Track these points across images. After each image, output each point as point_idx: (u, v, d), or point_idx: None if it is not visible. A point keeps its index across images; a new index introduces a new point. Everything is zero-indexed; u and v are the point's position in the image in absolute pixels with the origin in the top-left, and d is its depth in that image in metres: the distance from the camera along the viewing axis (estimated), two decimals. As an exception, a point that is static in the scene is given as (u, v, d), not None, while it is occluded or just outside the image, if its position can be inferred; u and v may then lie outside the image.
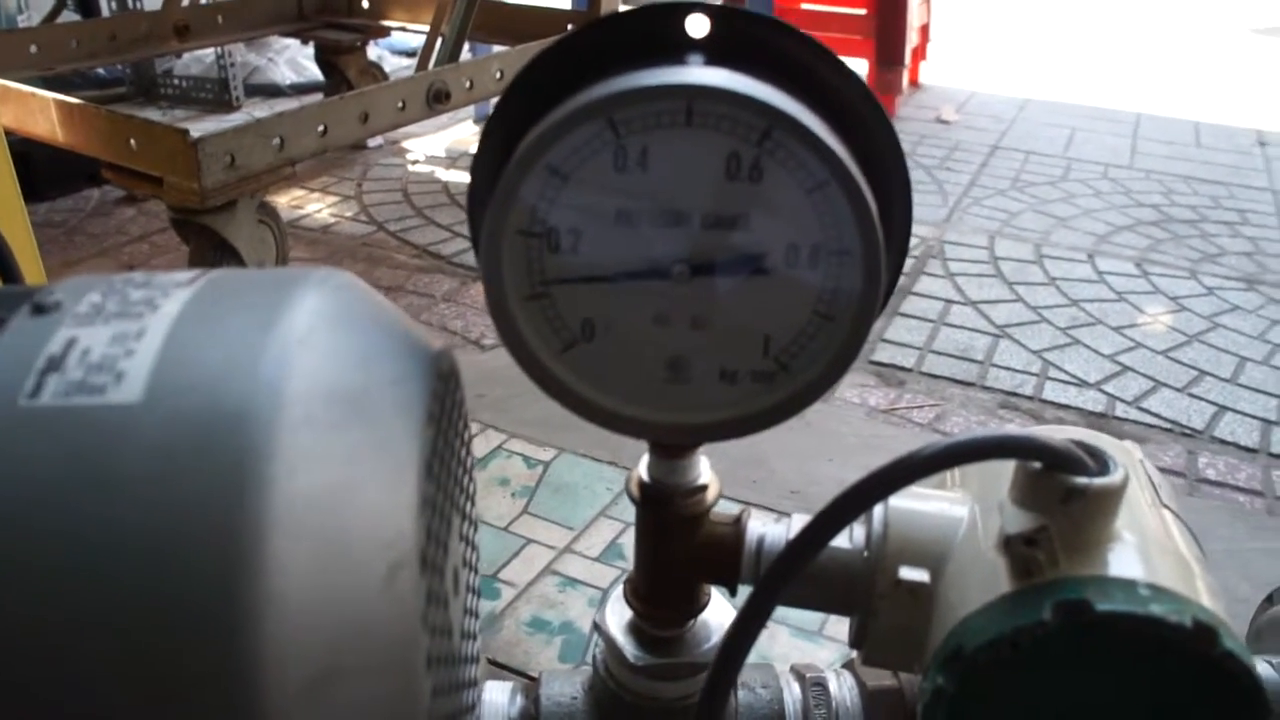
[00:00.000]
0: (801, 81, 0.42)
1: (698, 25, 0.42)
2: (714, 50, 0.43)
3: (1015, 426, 0.50)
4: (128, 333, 0.29)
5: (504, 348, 0.44)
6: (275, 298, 0.32)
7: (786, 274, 0.43)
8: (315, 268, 0.37)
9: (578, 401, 0.47)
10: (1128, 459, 0.48)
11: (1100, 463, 0.41)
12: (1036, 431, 0.48)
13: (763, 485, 1.25)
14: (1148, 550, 0.41)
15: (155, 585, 0.23)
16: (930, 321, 1.83)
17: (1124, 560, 0.40)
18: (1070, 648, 0.37)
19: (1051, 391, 1.62)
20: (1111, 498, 0.40)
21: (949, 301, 1.92)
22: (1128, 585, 0.38)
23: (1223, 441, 1.51)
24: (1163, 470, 1.45)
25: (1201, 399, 1.62)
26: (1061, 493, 0.39)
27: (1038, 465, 0.40)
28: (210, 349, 0.29)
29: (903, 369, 1.64)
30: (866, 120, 0.43)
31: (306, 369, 0.29)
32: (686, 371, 0.46)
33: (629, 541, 1.20)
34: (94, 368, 0.27)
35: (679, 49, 0.43)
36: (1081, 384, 1.65)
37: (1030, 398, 1.59)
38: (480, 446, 1.34)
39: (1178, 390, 1.64)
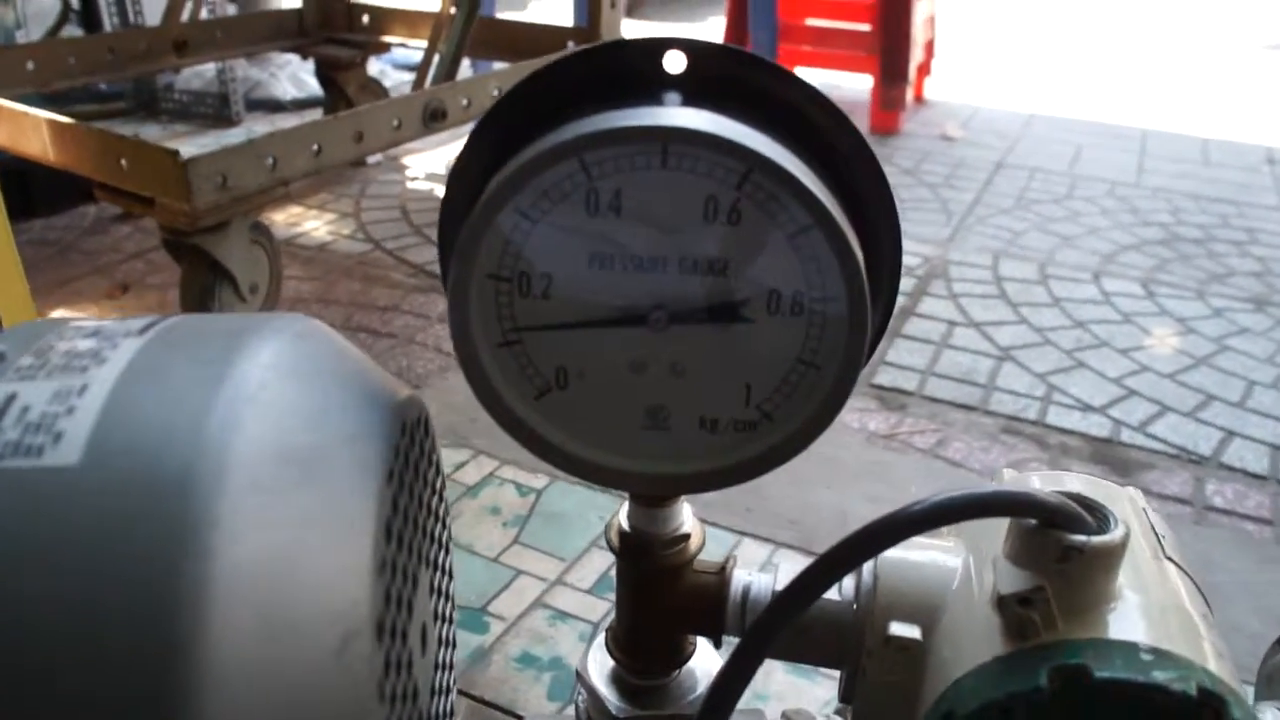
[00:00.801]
0: (783, 120, 0.40)
1: (675, 62, 0.40)
2: (692, 88, 0.41)
3: (1011, 471, 0.47)
4: (70, 388, 0.27)
5: (475, 397, 0.42)
6: (227, 350, 0.30)
7: (768, 321, 0.41)
8: (276, 315, 0.35)
9: (552, 451, 0.45)
10: (1130, 509, 0.46)
11: (1099, 519, 0.39)
12: (1033, 485, 0.45)
13: (757, 514, 1.23)
14: (1150, 610, 0.39)
15: (85, 664, 0.22)
16: (933, 344, 1.81)
17: (1125, 621, 0.38)
18: (1067, 715, 0.35)
19: (1056, 416, 1.59)
20: (1111, 556, 0.38)
21: (952, 323, 1.90)
22: (1129, 649, 0.36)
23: (1230, 468, 1.48)
24: (1169, 498, 1.43)
25: (1209, 424, 1.60)
26: (1058, 551, 0.37)
27: (1033, 522, 0.38)
28: (154, 407, 0.27)
29: (904, 392, 1.62)
30: (851, 158, 0.41)
31: (255, 429, 0.27)
32: (665, 420, 0.44)
33: (622, 573, 1.18)
34: (32, 427, 0.26)
35: (655, 86, 0.41)
36: (1086, 408, 1.62)
37: (1034, 422, 1.57)
38: (471, 474, 1.31)
39: (1184, 415, 1.62)
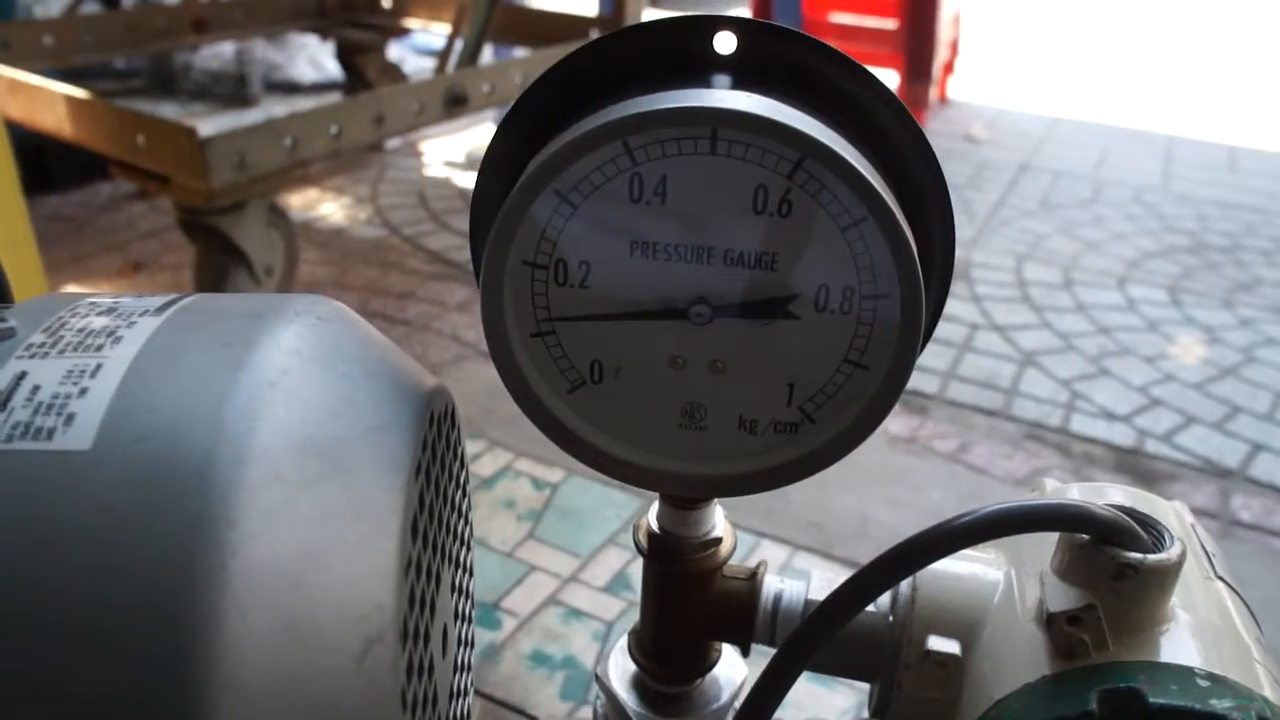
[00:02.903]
0: (836, 105, 0.38)
1: (725, 42, 0.38)
2: (742, 70, 0.38)
3: (1053, 481, 0.45)
4: (84, 368, 0.26)
5: (505, 388, 0.40)
6: (249, 332, 0.29)
7: (816, 318, 0.39)
8: (297, 296, 0.33)
9: (583, 447, 0.43)
10: (1179, 524, 0.44)
11: (1155, 535, 0.37)
12: (1086, 499, 0.43)
13: (778, 516, 1.21)
14: (1204, 632, 0.37)
15: (94, 665, 0.21)
16: (954, 346, 1.79)
17: (1179, 644, 0.36)
18: (1118, 742, 0.33)
19: (1079, 424, 1.57)
20: (1167, 575, 0.36)
21: (974, 326, 1.87)
22: (1183, 674, 0.34)
23: (1257, 482, 1.46)
24: (1195, 511, 1.40)
25: (1236, 436, 1.57)
26: (1112, 569, 0.35)
27: (1085, 537, 0.36)
28: (171, 391, 0.26)
29: (926, 396, 1.59)
30: (906, 149, 0.39)
31: (276, 417, 0.26)
32: (702, 419, 0.42)
33: (637, 571, 1.16)
34: (42, 408, 0.25)
35: (704, 67, 0.39)
36: (1111, 417, 1.60)
37: (1058, 430, 1.54)
38: (487, 466, 1.30)
39: (1211, 426, 1.59)
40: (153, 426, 0.24)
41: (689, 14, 0.39)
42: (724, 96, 0.36)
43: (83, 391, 0.25)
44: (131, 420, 0.24)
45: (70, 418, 0.24)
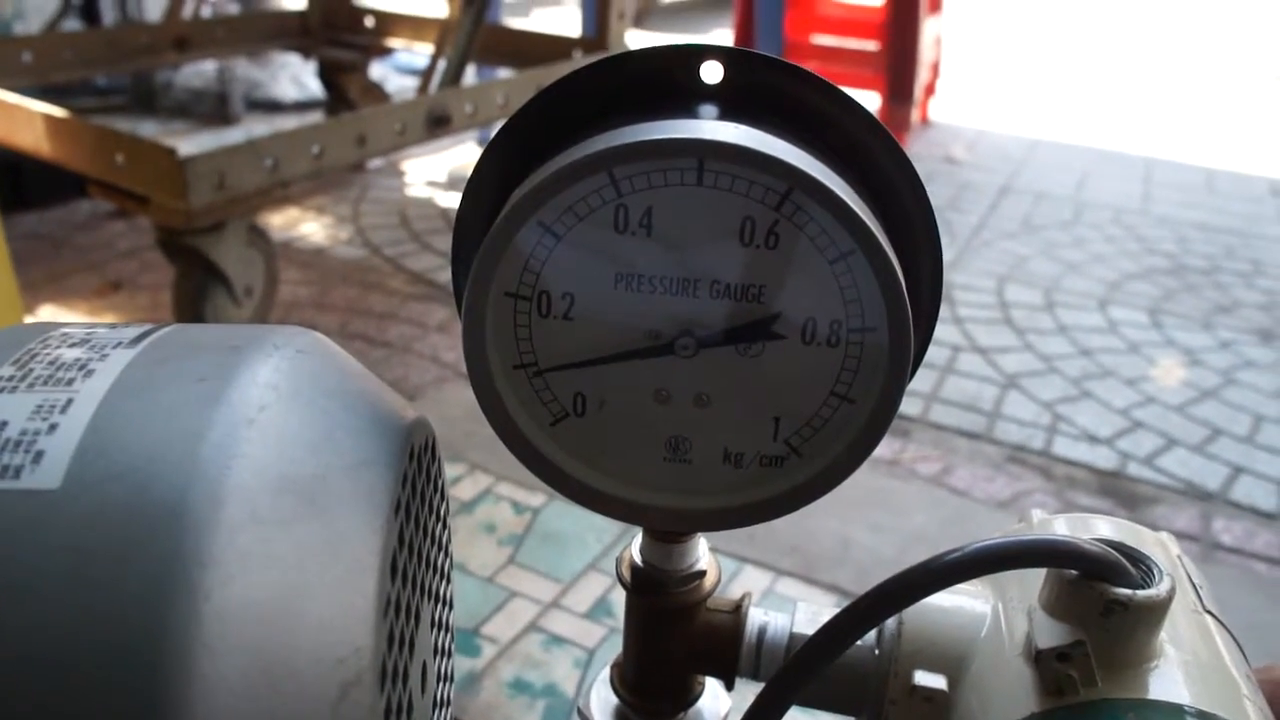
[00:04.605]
0: (824, 136, 0.38)
1: (712, 71, 0.38)
2: (728, 100, 0.38)
3: (1040, 512, 0.44)
4: (54, 403, 0.25)
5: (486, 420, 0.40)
6: (226, 366, 0.28)
7: (802, 351, 0.39)
8: (276, 328, 0.33)
9: (566, 480, 0.42)
10: (1166, 557, 0.43)
11: (1143, 570, 0.36)
12: (1063, 530, 0.43)
13: (760, 540, 1.20)
14: (1192, 668, 0.36)
15: (63, 712, 0.20)
16: (938, 368, 1.79)
17: (1168, 681, 0.35)
18: (1106, 781, 0.33)
19: (1062, 446, 1.57)
20: (1156, 610, 0.35)
21: (956, 348, 1.88)
22: (1173, 712, 0.34)
23: (1238, 505, 1.46)
24: (1176, 535, 1.40)
25: (1216, 459, 1.57)
26: (1101, 605, 0.35)
27: (1074, 572, 0.35)
28: (144, 428, 0.25)
29: (908, 418, 1.59)
30: (894, 182, 0.38)
31: (253, 455, 0.25)
32: (687, 452, 0.41)
33: (619, 597, 1.15)
34: (10, 445, 0.24)
35: (690, 97, 0.38)
36: (1093, 439, 1.60)
37: (1040, 452, 1.54)
38: (467, 489, 1.28)
39: (1192, 449, 1.59)
40: (125, 465, 0.23)
41: (676, 44, 0.38)
42: (711, 127, 0.36)
43: (52, 428, 0.24)
44: (102, 458, 0.24)
45: (39, 455, 0.23)
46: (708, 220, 0.36)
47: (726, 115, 0.37)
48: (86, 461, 0.23)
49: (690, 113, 0.37)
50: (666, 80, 0.38)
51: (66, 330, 0.31)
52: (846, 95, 0.38)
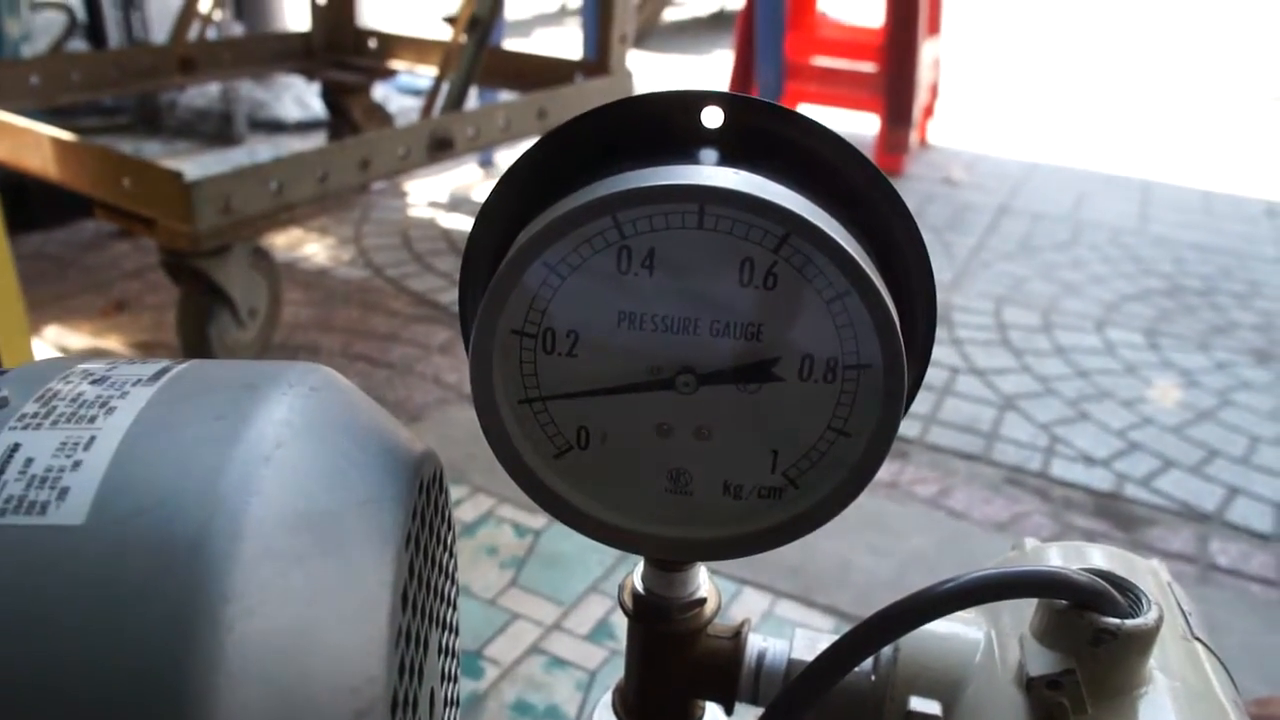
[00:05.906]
0: (819, 178, 0.39)
1: (713, 117, 0.39)
2: (728, 145, 0.39)
3: (1032, 540, 0.46)
4: (77, 440, 0.26)
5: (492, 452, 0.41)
6: (243, 404, 0.29)
7: (800, 386, 0.40)
8: (291, 365, 0.34)
9: (569, 511, 0.43)
10: (1155, 583, 0.44)
11: (1131, 599, 0.37)
12: (1054, 558, 0.44)
13: (759, 562, 1.21)
14: (1181, 696, 0.37)
15: None
16: (936, 390, 1.80)
17: (1157, 708, 0.36)
18: (1097, 807, 0.34)
19: (1059, 468, 1.58)
20: (1145, 639, 0.36)
21: (954, 370, 1.89)
22: None
23: (1235, 526, 1.47)
24: (1172, 556, 1.42)
25: (1213, 480, 1.58)
26: (1091, 634, 0.36)
27: (1064, 602, 0.36)
28: (165, 465, 0.26)
29: (907, 440, 1.60)
30: (891, 225, 0.40)
31: (270, 492, 0.26)
32: (688, 484, 0.42)
33: (620, 620, 1.16)
34: (36, 481, 0.25)
35: (691, 142, 0.39)
36: (1090, 461, 1.61)
37: (1037, 474, 1.55)
38: (469, 512, 1.29)
39: (1188, 470, 1.60)
40: (147, 501, 0.24)
41: (679, 90, 0.39)
42: (711, 174, 0.37)
43: (76, 465, 0.25)
44: (126, 495, 0.24)
45: (64, 492, 0.24)
46: (708, 261, 0.38)
47: (726, 160, 0.38)
48: (110, 498, 0.24)
49: (691, 158, 0.39)
50: (670, 125, 0.40)
51: (87, 367, 0.32)
52: (840, 137, 0.39)
